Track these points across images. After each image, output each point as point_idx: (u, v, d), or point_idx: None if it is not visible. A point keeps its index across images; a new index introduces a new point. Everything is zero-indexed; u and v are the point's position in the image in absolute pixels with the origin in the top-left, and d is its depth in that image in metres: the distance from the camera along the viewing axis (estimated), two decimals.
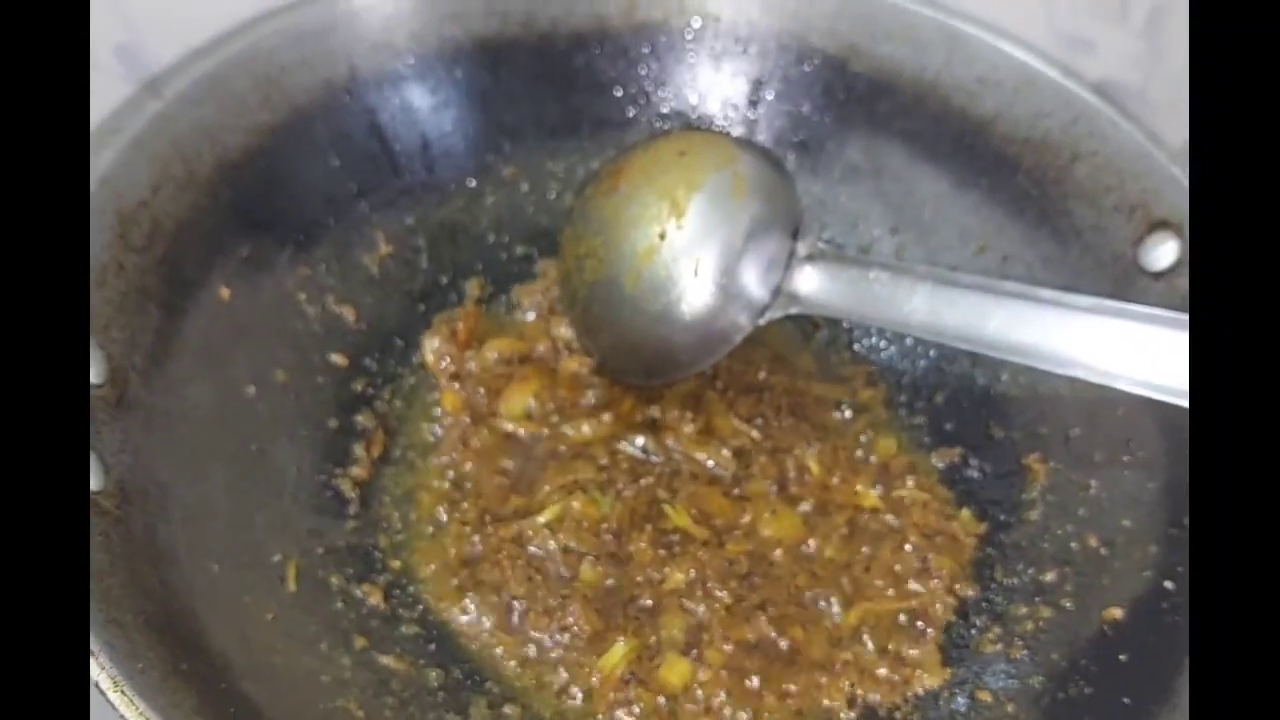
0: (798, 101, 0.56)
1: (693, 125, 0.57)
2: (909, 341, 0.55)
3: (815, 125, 0.56)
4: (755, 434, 0.51)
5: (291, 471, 0.46)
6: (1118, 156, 0.49)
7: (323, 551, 0.44)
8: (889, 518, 0.49)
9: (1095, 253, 0.49)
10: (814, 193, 0.56)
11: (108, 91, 0.54)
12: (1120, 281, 0.48)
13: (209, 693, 0.34)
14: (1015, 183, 0.52)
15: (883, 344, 0.55)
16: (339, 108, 0.51)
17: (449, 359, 0.52)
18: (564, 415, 0.51)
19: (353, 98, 0.51)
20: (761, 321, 0.47)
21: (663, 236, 0.45)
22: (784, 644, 0.44)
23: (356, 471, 0.48)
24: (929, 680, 0.43)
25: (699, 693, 0.43)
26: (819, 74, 0.55)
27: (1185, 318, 0.40)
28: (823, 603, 0.46)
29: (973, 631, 0.45)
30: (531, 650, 0.44)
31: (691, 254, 0.45)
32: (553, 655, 0.44)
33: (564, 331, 0.53)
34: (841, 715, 0.43)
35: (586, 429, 0.51)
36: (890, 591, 0.46)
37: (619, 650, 0.43)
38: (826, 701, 0.43)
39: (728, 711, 0.42)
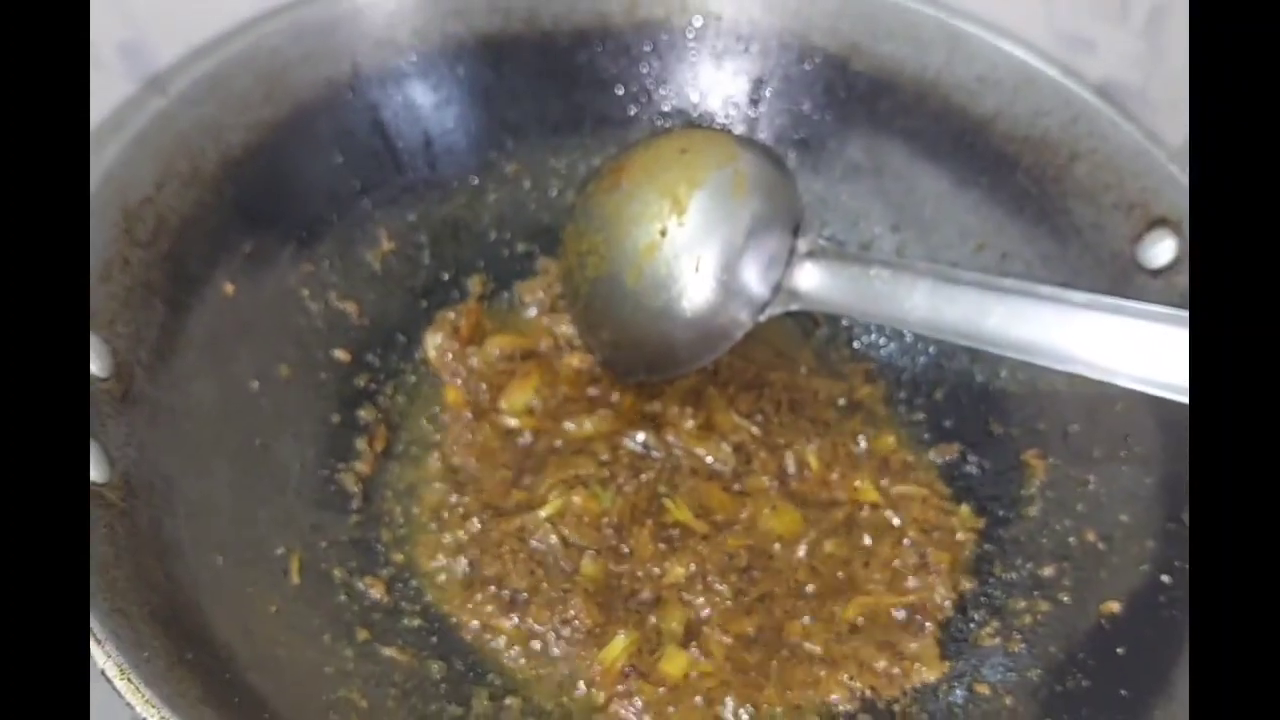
0: (799, 100, 0.56)
1: (694, 123, 0.57)
2: (908, 338, 0.55)
3: (816, 123, 0.56)
4: (755, 430, 0.51)
5: (295, 466, 0.46)
6: (1117, 155, 0.50)
7: (326, 545, 0.44)
8: (888, 513, 0.49)
9: (1094, 250, 0.50)
10: (815, 190, 0.56)
11: (111, 89, 0.54)
12: (1118, 279, 0.48)
13: (213, 682, 0.34)
14: (1015, 181, 0.52)
15: (882, 341, 0.56)
16: (342, 105, 0.51)
17: (451, 355, 0.52)
18: (565, 411, 0.51)
19: (355, 95, 0.52)
20: (762, 318, 0.47)
21: (664, 233, 0.46)
22: (783, 637, 0.45)
23: (359, 466, 0.48)
24: (927, 673, 0.44)
25: (699, 685, 0.43)
26: (820, 72, 0.56)
27: (1183, 314, 0.40)
28: (822, 596, 0.46)
29: (971, 625, 0.45)
30: (533, 643, 0.44)
31: (693, 251, 0.45)
32: (554, 648, 0.44)
33: (565, 328, 0.53)
34: (840, 708, 0.43)
35: (588, 425, 0.51)
36: (889, 586, 0.46)
37: (619, 643, 0.43)
38: (826, 694, 0.43)
39: (728, 704, 0.43)
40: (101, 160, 0.42)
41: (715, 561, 0.46)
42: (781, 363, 0.55)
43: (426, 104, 0.53)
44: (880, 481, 0.50)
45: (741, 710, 0.43)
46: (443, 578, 0.46)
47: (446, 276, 0.55)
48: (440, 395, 0.52)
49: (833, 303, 0.47)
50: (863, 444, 0.52)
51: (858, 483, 0.50)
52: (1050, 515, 0.47)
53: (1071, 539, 0.46)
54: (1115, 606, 0.42)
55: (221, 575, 0.39)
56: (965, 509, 0.49)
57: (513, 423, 0.51)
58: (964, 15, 0.53)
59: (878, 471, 0.51)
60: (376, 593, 0.44)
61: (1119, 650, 0.41)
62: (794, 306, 0.47)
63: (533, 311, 0.55)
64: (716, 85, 0.57)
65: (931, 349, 0.54)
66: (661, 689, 0.43)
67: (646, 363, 0.49)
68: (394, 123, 0.53)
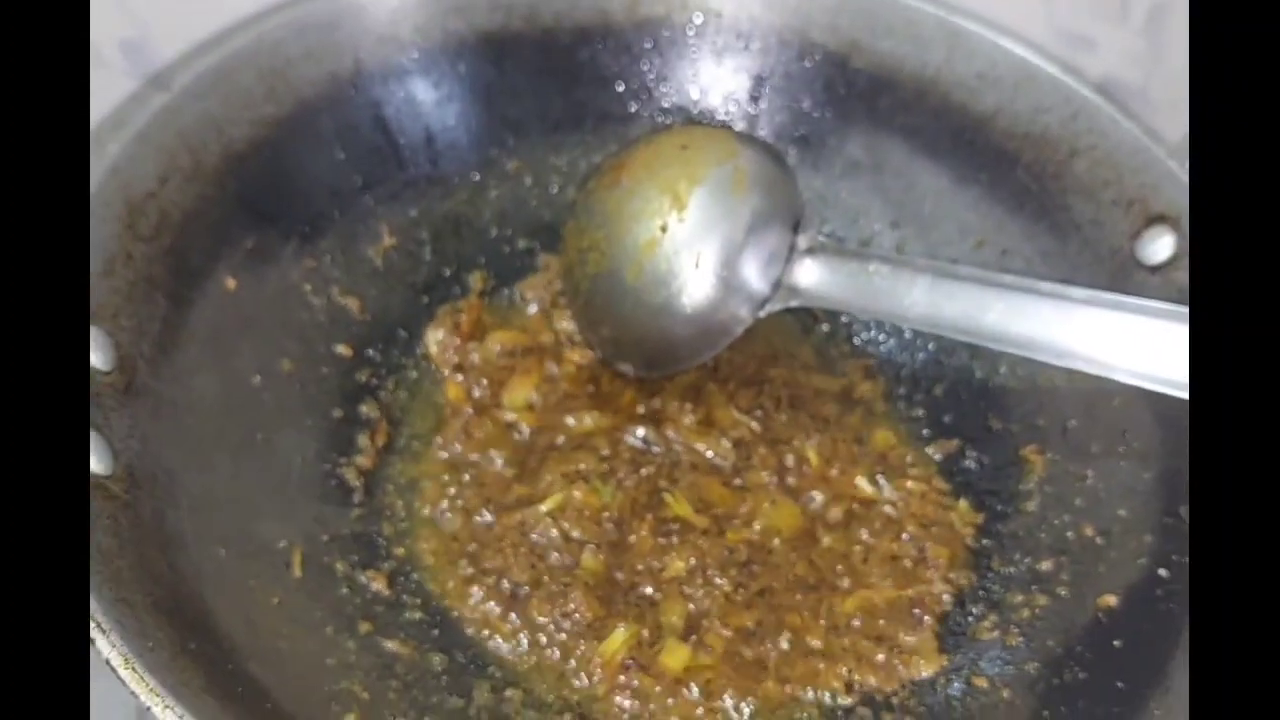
0: (799, 97, 0.56)
1: (695, 120, 0.57)
2: (908, 334, 0.55)
3: (816, 121, 0.57)
4: (755, 425, 0.51)
5: (297, 460, 0.46)
6: (1116, 151, 0.50)
7: (327, 538, 0.45)
8: (887, 508, 0.49)
9: (1093, 247, 0.50)
10: (815, 187, 0.56)
11: (113, 87, 0.55)
12: (1117, 275, 0.48)
13: (216, 672, 0.34)
14: (1015, 178, 0.53)
15: (882, 337, 0.56)
16: (344, 101, 0.51)
17: (452, 350, 0.53)
18: (566, 407, 0.52)
19: (358, 91, 0.52)
20: (762, 314, 0.48)
21: (664, 230, 0.46)
22: (783, 631, 0.45)
23: (361, 460, 0.48)
24: (926, 667, 0.44)
25: (698, 678, 0.43)
26: (820, 70, 0.56)
27: (1182, 310, 0.40)
28: (821, 590, 0.46)
29: (969, 619, 0.46)
30: (534, 636, 0.44)
31: (693, 247, 0.46)
32: (554, 641, 0.44)
33: (566, 324, 0.54)
34: (839, 701, 0.43)
35: (588, 420, 0.51)
36: (888, 580, 0.47)
37: (620, 636, 0.44)
38: (824, 687, 0.44)
39: (727, 697, 0.43)
40: (105, 155, 0.42)
41: (715, 556, 0.47)
42: (781, 359, 0.55)
43: (428, 101, 0.54)
44: (879, 477, 0.50)
45: (743, 704, 0.43)
46: (444, 571, 0.46)
47: (448, 272, 0.55)
48: (441, 390, 0.52)
49: (832, 299, 0.47)
50: (862, 439, 0.52)
51: (857, 478, 0.50)
52: (1048, 510, 0.47)
53: (1069, 534, 0.46)
54: (1112, 600, 0.43)
55: (224, 567, 0.39)
56: (964, 504, 0.50)
57: (513, 418, 0.51)
58: (963, 12, 0.53)
59: (877, 467, 0.51)
60: (378, 586, 0.44)
61: (1116, 643, 0.41)
62: (794, 303, 0.48)
63: (534, 308, 0.55)
64: (717, 82, 0.57)
65: (931, 345, 0.54)
66: (661, 682, 0.43)
67: (647, 358, 0.50)
68: (396, 119, 0.53)
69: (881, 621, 0.45)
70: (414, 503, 0.48)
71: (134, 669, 0.31)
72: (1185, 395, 0.39)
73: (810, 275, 0.47)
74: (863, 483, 0.50)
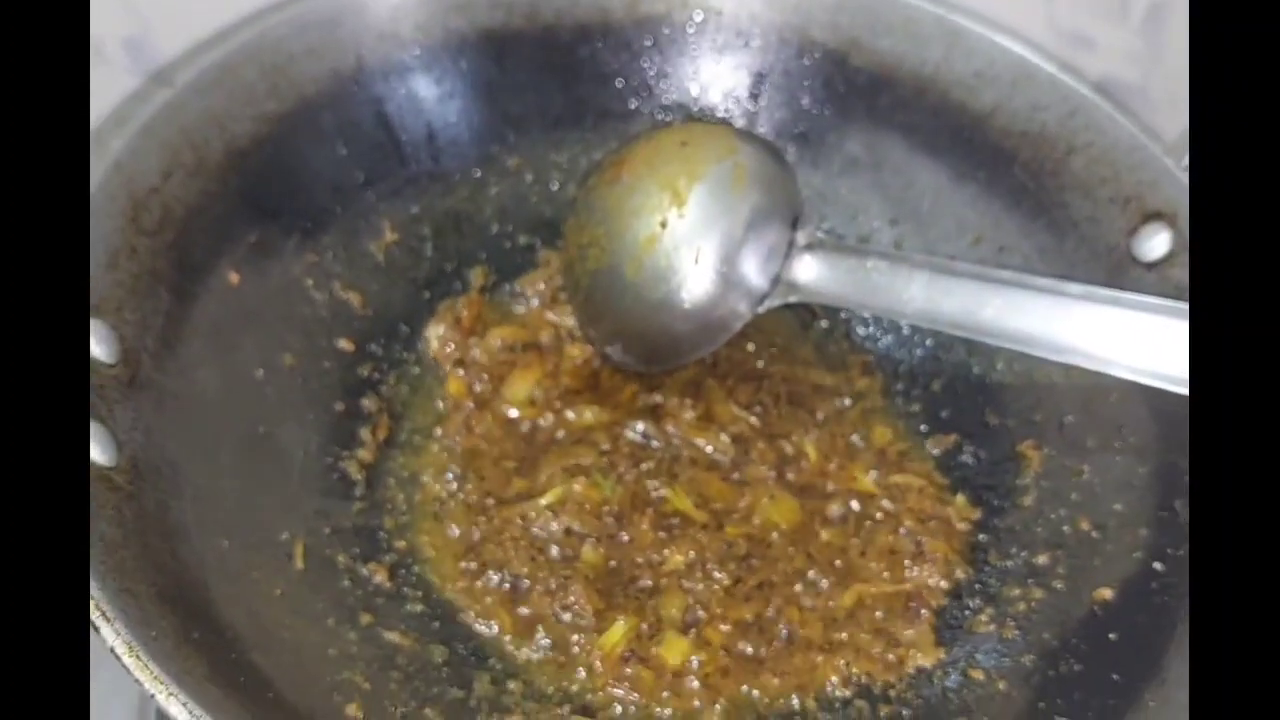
0: (798, 94, 0.57)
1: (694, 117, 0.57)
2: (906, 330, 0.55)
3: (816, 118, 0.57)
4: (754, 420, 0.52)
5: (299, 453, 0.46)
6: (1113, 149, 0.50)
7: (329, 531, 0.45)
8: (885, 503, 0.49)
9: (1090, 244, 0.50)
10: (814, 184, 0.57)
11: (116, 84, 0.55)
12: (1114, 272, 0.49)
13: (219, 662, 0.34)
14: (1012, 175, 0.53)
15: (880, 333, 0.56)
16: (346, 97, 0.52)
17: (453, 345, 0.53)
18: (566, 401, 0.52)
19: (359, 88, 0.52)
20: (761, 309, 0.48)
21: (664, 225, 0.46)
22: (781, 624, 0.45)
23: (362, 454, 0.48)
24: (923, 659, 0.44)
25: (697, 671, 0.43)
26: (819, 67, 0.56)
27: (1178, 305, 0.40)
28: (820, 584, 0.47)
29: (966, 612, 0.46)
30: (534, 628, 0.44)
31: (692, 243, 0.46)
32: (554, 633, 0.44)
33: (567, 319, 0.54)
34: (837, 693, 0.44)
35: (588, 415, 0.51)
36: (886, 574, 0.47)
37: (619, 629, 0.44)
38: (822, 680, 0.44)
39: (725, 689, 0.43)
40: (109, 151, 0.43)
41: (714, 550, 0.47)
42: (780, 354, 0.55)
43: (430, 97, 0.54)
44: (877, 472, 0.51)
45: (739, 692, 0.43)
46: (445, 564, 0.46)
47: (449, 268, 0.55)
48: (442, 385, 0.52)
49: (831, 294, 0.48)
50: (860, 435, 0.52)
51: (855, 473, 0.51)
52: (1045, 504, 0.48)
53: (1066, 528, 0.46)
54: (1108, 593, 0.43)
55: (227, 558, 0.40)
56: (961, 498, 0.50)
57: (514, 413, 0.52)
58: (962, 11, 0.54)
59: (875, 462, 0.51)
60: (379, 578, 0.45)
61: (1111, 636, 0.41)
62: (793, 298, 0.48)
63: (534, 303, 0.55)
64: (717, 79, 0.57)
65: (929, 341, 0.55)
66: (660, 674, 0.43)
67: (647, 354, 0.50)
68: (397, 116, 0.53)
69: (879, 614, 0.46)
70: (415, 496, 0.49)
71: (138, 657, 0.31)
72: (1181, 390, 0.40)
73: (809, 271, 0.47)
74: (861, 477, 0.50)
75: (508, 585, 0.45)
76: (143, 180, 0.43)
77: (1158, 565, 0.42)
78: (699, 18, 0.56)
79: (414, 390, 0.52)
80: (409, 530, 0.47)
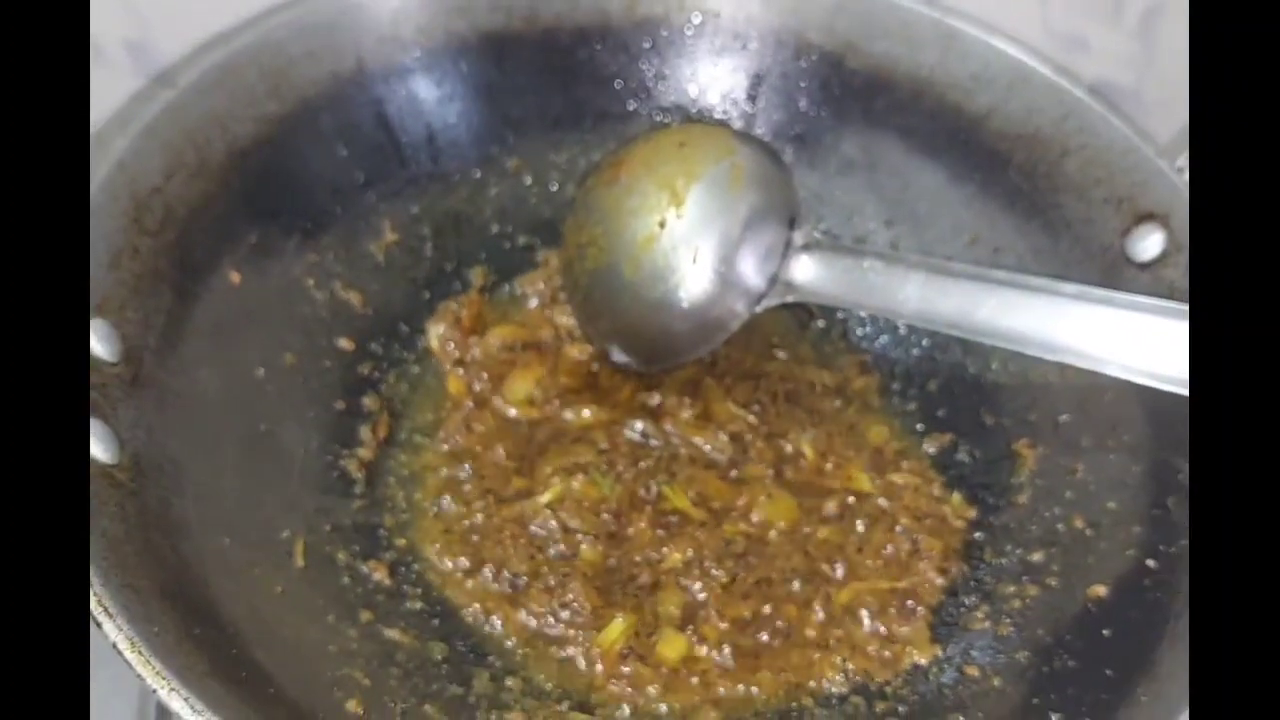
0: (795, 96, 0.57)
1: (693, 118, 0.58)
2: (903, 331, 0.56)
3: (812, 119, 0.57)
4: (752, 419, 0.52)
5: (299, 452, 0.47)
6: (1107, 151, 0.50)
7: (330, 529, 0.45)
8: (881, 501, 0.50)
9: (1084, 244, 0.51)
10: (811, 185, 0.57)
11: (118, 86, 0.55)
12: (1108, 272, 0.49)
13: (220, 658, 0.35)
14: (1007, 177, 0.53)
15: (877, 333, 0.56)
16: (346, 99, 0.52)
17: (453, 345, 0.53)
18: (565, 401, 0.52)
19: (360, 89, 0.52)
20: (758, 309, 0.48)
21: (662, 225, 0.46)
22: (779, 621, 0.45)
23: (362, 453, 0.49)
24: (919, 656, 0.45)
25: (695, 667, 0.44)
26: (816, 70, 0.56)
27: (1172, 305, 0.41)
28: (816, 582, 0.47)
29: (962, 610, 0.46)
30: (533, 625, 0.45)
31: (690, 242, 0.46)
32: (553, 631, 0.45)
33: (566, 319, 0.54)
34: (834, 690, 0.44)
35: (587, 414, 0.52)
36: (882, 572, 0.47)
37: (618, 626, 0.44)
38: (819, 677, 0.44)
39: (723, 686, 0.43)
40: (112, 151, 0.43)
41: (712, 547, 0.47)
42: (778, 354, 0.56)
43: (430, 99, 0.54)
44: (874, 470, 0.51)
45: (737, 689, 0.43)
46: (444, 562, 0.46)
47: (449, 268, 0.55)
48: (442, 384, 0.53)
49: (828, 294, 0.48)
50: (857, 434, 0.53)
51: (852, 472, 0.51)
52: (1040, 503, 0.48)
53: (1060, 526, 0.47)
54: (1102, 590, 0.43)
55: (228, 556, 0.40)
56: (957, 497, 0.50)
57: (513, 412, 0.52)
58: (958, 14, 0.54)
59: (872, 460, 0.51)
60: (379, 576, 0.45)
61: (1105, 632, 0.42)
62: (790, 298, 0.48)
63: (533, 303, 0.56)
64: (715, 81, 0.58)
65: (925, 341, 0.55)
66: (658, 671, 0.44)
67: (645, 353, 0.50)
68: (398, 117, 0.54)
69: (876, 612, 0.46)
70: (415, 494, 0.49)
71: (140, 652, 0.32)
72: (1175, 389, 0.40)
73: (806, 271, 0.47)
74: (858, 476, 0.51)
75: (507, 583, 0.46)
76: (145, 180, 0.44)
77: (1151, 562, 0.43)
78: (697, 20, 0.57)
79: (414, 389, 0.52)
80: (409, 528, 0.48)
